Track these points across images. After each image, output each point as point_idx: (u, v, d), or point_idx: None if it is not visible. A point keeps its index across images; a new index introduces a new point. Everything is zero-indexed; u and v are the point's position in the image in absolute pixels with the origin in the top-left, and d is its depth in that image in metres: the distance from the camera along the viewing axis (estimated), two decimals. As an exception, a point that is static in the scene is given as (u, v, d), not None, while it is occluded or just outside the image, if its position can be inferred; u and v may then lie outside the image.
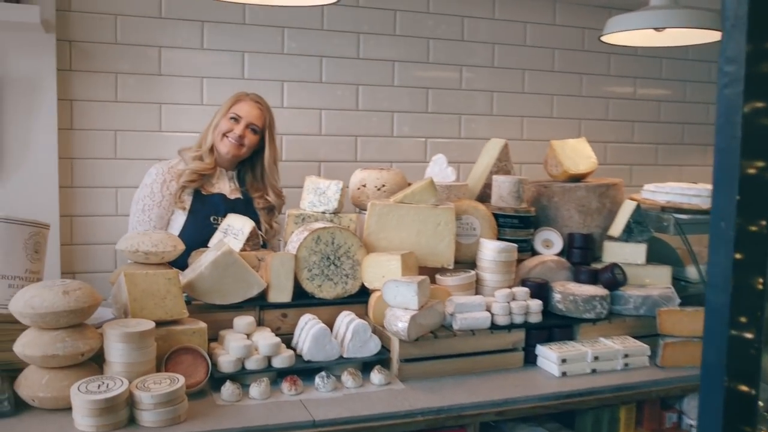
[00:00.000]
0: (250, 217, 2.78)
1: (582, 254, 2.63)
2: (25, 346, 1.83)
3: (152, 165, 2.78)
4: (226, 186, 2.83)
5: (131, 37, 3.10)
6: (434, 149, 3.66)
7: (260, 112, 2.80)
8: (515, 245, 2.49)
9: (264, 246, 2.56)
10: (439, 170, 2.79)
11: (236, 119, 2.77)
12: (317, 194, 2.51)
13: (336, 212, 2.50)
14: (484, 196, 2.86)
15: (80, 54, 3.03)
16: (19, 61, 2.85)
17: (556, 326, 2.39)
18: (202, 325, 2.10)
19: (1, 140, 2.86)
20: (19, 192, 2.89)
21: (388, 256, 2.33)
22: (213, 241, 2.47)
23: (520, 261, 2.61)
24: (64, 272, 3.01)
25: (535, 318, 2.35)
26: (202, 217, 2.67)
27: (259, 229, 2.77)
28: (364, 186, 2.65)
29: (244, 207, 2.81)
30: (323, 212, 2.50)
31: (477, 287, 2.48)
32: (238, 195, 2.84)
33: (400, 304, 2.17)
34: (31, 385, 1.84)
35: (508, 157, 2.89)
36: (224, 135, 2.76)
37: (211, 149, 2.78)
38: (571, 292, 2.41)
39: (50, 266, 2.92)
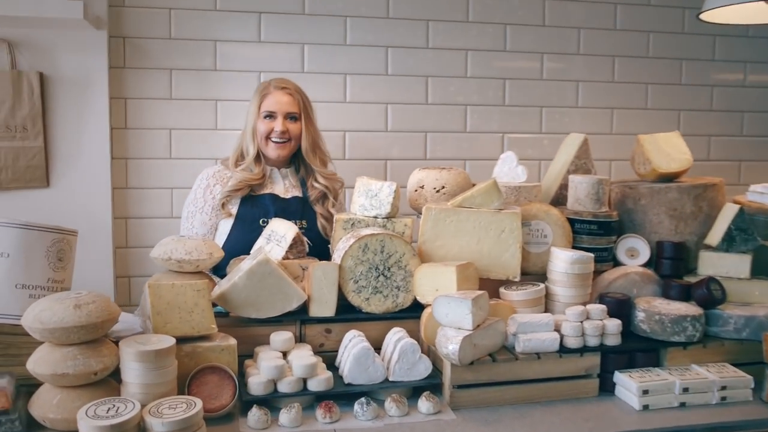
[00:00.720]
0: (307, 216, 2.61)
1: (673, 266, 2.28)
2: (36, 363, 1.70)
3: (207, 165, 2.64)
4: (279, 185, 2.65)
5: (186, 31, 2.99)
6: (512, 146, 3.36)
7: (290, 97, 2.60)
8: (591, 255, 2.18)
9: (312, 253, 2.36)
10: (509, 169, 2.50)
11: (271, 116, 2.58)
12: (369, 197, 2.28)
13: (389, 217, 2.26)
14: (560, 199, 2.54)
15: (134, 50, 2.94)
16: (70, 59, 2.79)
17: (639, 350, 2.06)
18: (232, 341, 1.92)
19: (51, 141, 2.81)
20: (70, 194, 2.83)
21: (442, 267, 2.07)
22: (255, 248, 2.28)
23: (599, 273, 2.30)
24: (118, 275, 2.94)
25: (613, 340, 2.03)
26: (251, 221, 2.50)
27: (315, 228, 2.58)
28: (422, 188, 2.40)
29: (301, 205, 2.61)
30: (375, 217, 2.26)
31: (547, 303, 2.18)
32: (296, 193, 2.65)
33: (452, 323, 1.92)
34: (42, 404, 1.71)
35: (588, 155, 2.56)
36: (267, 138, 2.58)
37: (258, 157, 2.59)
38: (658, 311, 2.07)
39: (103, 270, 2.88)
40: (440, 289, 2.05)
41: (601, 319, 2.04)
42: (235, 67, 3.05)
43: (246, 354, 2.02)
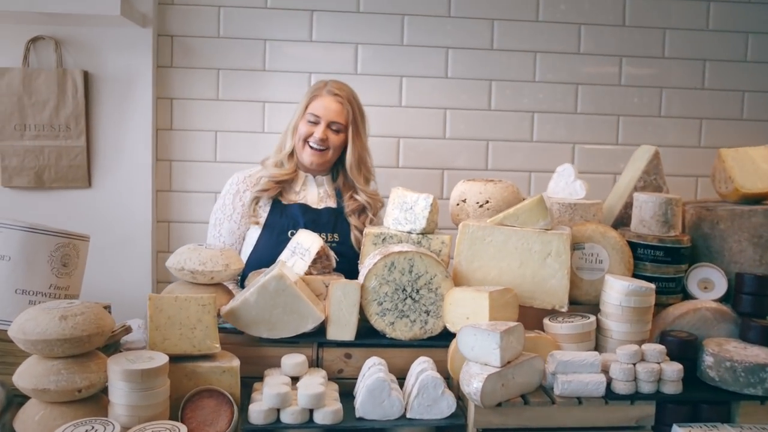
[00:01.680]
0: (340, 229, 2.43)
1: (754, 302, 1.96)
2: (20, 375, 1.60)
3: (252, 169, 2.51)
4: (312, 193, 2.48)
5: (235, 30, 2.87)
6: (584, 157, 3.06)
7: (340, 106, 2.42)
8: (651, 286, 1.89)
9: (344, 269, 2.17)
10: (565, 184, 2.24)
11: (315, 121, 2.41)
12: (403, 210, 2.08)
13: (425, 232, 2.05)
14: (625, 219, 2.25)
15: (182, 49, 2.85)
16: (115, 57, 2.73)
17: (704, 402, 1.77)
18: (235, 363, 1.76)
19: (94, 141, 2.75)
20: (111, 195, 2.77)
21: (474, 292, 1.84)
22: (278, 261, 2.12)
23: (663, 306, 2.01)
24: (159, 281, 2.85)
25: (672, 387, 1.74)
26: (279, 231, 2.35)
27: (348, 241, 2.39)
28: (464, 201, 2.17)
29: (334, 217, 2.44)
30: (409, 232, 2.06)
31: (597, 339, 1.91)
32: (330, 203, 2.48)
33: (477, 358, 1.69)
34: (25, 419, 1.61)
35: (659, 170, 2.26)
36: (305, 141, 2.41)
37: (292, 154, 2.44)
38: (730, 356, 1.77)
39: (142, 276, 2.80)
40: (471, 317, 1.82)
41: (658, 362, 1.76)
42: (284, 68, 2.91)
43: (257, 376, 1.87)
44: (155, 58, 2.82)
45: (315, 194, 2.48)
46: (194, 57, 2.87)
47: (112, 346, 1.90)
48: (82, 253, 1.91)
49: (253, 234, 2.40)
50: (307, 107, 2.44)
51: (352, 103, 2.45)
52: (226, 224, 2.45)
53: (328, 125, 2.41)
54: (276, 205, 2.42)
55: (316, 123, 2.41)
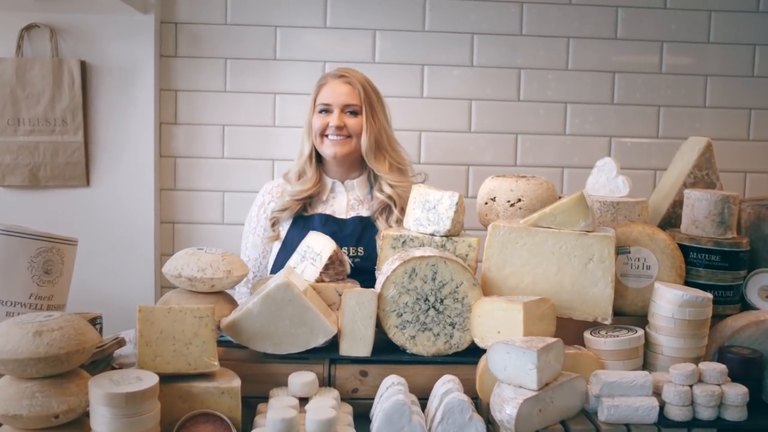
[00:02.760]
0: (366, 242, 2.20)
1: (826, 314, 1.72)
2: (-10, 398, 1.41)
3: (262, 166, 2.33)
4: (341, 202, 2.28)
5: (243, 16, 2.69)
6: (621, 152, 2.84)
7: (350, 87, 2.22)
8: (709, 296, 1.66)
9: (355, 275, 1.96)
10: (606, 180, 2.01)
11: (327, 110, 2.22)
12: (425, 209, 1.86)
13: (450, 235, 1.83)
14: (673, 219, 2.03)
15: (186, 37, 2.68)
16: (114, 46, 2.57)
17: (773, 430, 1.53)
18: (235, 383, 1.56)
19: (92, 136, 2.59)
20: (112, 194, 2.61)
21: (506, 303, 1.62)
22: (287, 266, 1.92)
23: (720, 317, 1.78)
24: (164, 286, 2.67)
25: (736, 413, 1.51)
26: (298, 244, 2.12)
27: (374, 256, 2.18)
28: (493, 200, 1.95)
29: (360, 228, 2.24)
30: (432, 234, 1.84)
31: (647, 356, 1.70)
32: (361, 211, 2.28)
33: (511, 379, 1.47)
34: (-4, 450, 1.42)
35: (712, 164, 2.02)
36: (322, 135, 2.21)
37: (310, 157, 2.25)
38: (802, 377, 1.53)
39: (145, 282, 2.63)
40: (503, 332, 1.61)
41: (718, 384, 1.53)
42: (297, 57, 2.72)
43: (262, 396, 1.67)
44: (158, 47, 2.65)
45: (344, 202, 2.28)
46: (200, 46, 2.70)
47: (103, 361, 1.71)
48: (67, 259, 1.72)
49: (276, 246, 2.23)
50: (316, 100, 2.25)
51: (363, 83, 2.25)
52: (251, 238, 2.30)
53: (342, 110, 2.21)
54: (297, 219, 2.24)
55: (329, 112, 2.21)
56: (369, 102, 2.23)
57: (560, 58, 2.80)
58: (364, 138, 2.22)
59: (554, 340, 1.50)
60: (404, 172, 2.29)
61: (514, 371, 1.46)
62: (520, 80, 2.80)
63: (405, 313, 1.70)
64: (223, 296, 1.83)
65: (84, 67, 2.53)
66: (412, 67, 2.76)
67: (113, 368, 1.71)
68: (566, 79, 2.82)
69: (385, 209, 2.25)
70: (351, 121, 2.22)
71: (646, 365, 1.69)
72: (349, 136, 2.22)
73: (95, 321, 1.78)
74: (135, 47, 2.56)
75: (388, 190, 2.23)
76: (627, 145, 2.86)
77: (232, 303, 1.84)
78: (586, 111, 2.83)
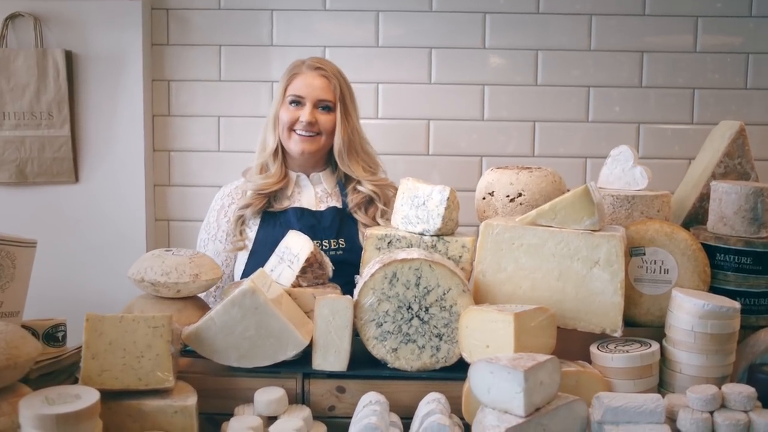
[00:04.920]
0: (346, 233, 2.06)
1: None
2: None
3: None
4: (308, 195, 2.12)
5: (237, -1, 2.54)
6: (651, 139, 2.62)
7: (326, 81, 2.05)
8: (737, 305, 1.45)
9: (347, 283, 1.79)
10: (622, 171, 1.79)
11: (298, 102, 2.05)
12: (414, 206, 1.67)
13: (441, 234, 1.64)
14: (700, 215, 1.80)
15: (178, 24, 2.55)
16: (101, 34, 2.44)
17: (811, 465, 1.30)
18: (190, 401, 1.42)
19: (80, 130, 2.47)
20: (101, 191, 2.49)
21: (495, 313, 1.43)
22: (267, 268, 1.75)
23: (752, 329, 1.56)
24: (157, 287, 2.54)
25: (766, 445, 1.29)
26: (271, 245, 1.95)
27: (357, 246, 2.01)
28: (491, 194, 1.75)
29: (338, 219, 2.08)
30: (421, 233, 1.65)
31: (662, 374, 1.49)
32: (333, 202, 2.12)
33: (494, 403, 1.29)
34: None
35: (745, 151, 1.78)
36: (291, 129, 2.05)
37: (275, 151, 2.08)
38: None
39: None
40: (492, 346, 1.42)
41: (745, 410, 1.31)
42: (294, 42, 2.55)
43: (229, 413, 1.51)
44: (148, 35, 2.52)
45: (312, 195, 2.12)
46: (192, 32, 2.57)
47: (64, 372, 1.58)
48: (21, 262, 1.58)
49: (244, 254, 2.06)
50: (286, 90, 2.08)
51: (339, 78, 2.09)
52: (211, 245, 2.14)
53: (315, 105, 2.05)
54: (266, 217, 2.08)
55: (300, 105, 2.05)
56: (343, 99, 2.08)
57: (582, 38, 2.58)
58: (337, 138, 2.07)
59: (546, 357, 1.30)
60: (376, 173, 2.14)
61: (498, 394, 1.27)
62: (538, 63, 2.58)
63: (385, 322, 1.52)
64: (192, 302, 1.69)
65: (69, 57, 2.41)
66: (419, 51, 2.57)
67: (77, 380, 1.57)
68: (589, 60, 2.59)
69: (365, 203, 2.11)
70: (323, 118, 2.06)
71: (663, 385, 1.48)
72: (319, 133, 2.05)
73: (57, 328, 1.64)
74: (122, 35, 2.43)
75: (368, 186, 2.09)
76: (657, 131, 2.62)
77: (203, 309, 1.68)
78: (612, 95, 2.60)
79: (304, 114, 2.03)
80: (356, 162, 2.09)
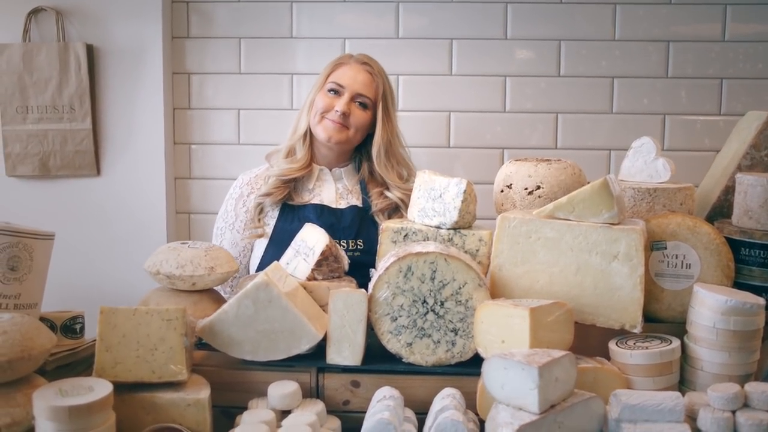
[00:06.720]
0: (365, 234, 2.04)
1: None
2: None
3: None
4: (329, 190, 2.10)
5: (257, -9, 2.54)
6: (678, 131, 2.56)
7: (370, 77, 2.04)
8: (762, 302, 1.40)
9: (354, 271, 1.77)
10: (644, 163, 1.75)
11: (337, 91, 2.04)
12: (431, 198, 1.65)
13: (458, 227, 1.61)
14: (725, 208, 1.75)
15: (198, 17, 2.55)
16: (121, 28, 2.45)
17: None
18: (203, 394, 1.41)
19: (101, 123, 2.48)
20: (122, 184, 2.51)
21: (511, 307, 1.40)
22: (282, 261, 1.75)
23: (777, 326, 1.50)
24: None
25: (790, 447, 1.25)
26: (288, 239, 1.94)
27: (376, 250, 1.99)
28: (509, 187, 1.72)
29: (359, 219, 2.06)
30: (437, 227, 1.63)
31: (683, 372, 1.45)
32: (353, 201, 2.10)
33: (508, 399, 1.26)
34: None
35: (773, 143, 1.73)
36: (323, 115, 2.02)
37: (305, 135, 2.06)
38: None
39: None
40: (507, 341, 1.40)
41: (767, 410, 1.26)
42: (315, 34, 2.54)
43: (243, 406, 1.50)
44: (168, 28, 2.52)
45: (332, 191, 2.10)
46: (213, 25, 2.56)
47: (82, 363, 1.59)
48: (38, 254, 1.59)
49: (261, 245, 2.05)
50: (328, 77, 2.06)
51: (383, 78, 2.07)
52: (228, 234, 2.13)
53: (353, 98, 2.03)
54: (285, 209, 2.06)
55: (338, 94, 2.03)
56: (385, 100, 2.07)
57: (606, 27, 2.52)
58: (377, 139, 2.06)
59: (562, 353, 1.27)
60: (409, 180, 2.12)
61: (512, 390, 1.25)
62: (561, 53, 2.53)
63: (400, 317, 1.50)
64: (207, 295, 1.69)
65: (91, 50, 2.43)
66: (440, 42, 2.53)
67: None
68: (613, 50, 2.53)
69: (392, 210, 2.09)
70: (357, 112, 2.04)
71: (684, 383, 1.44)
72: (347, 126, 2.04)
73: (75, 320, 1.66)
74: (143, 28, 2.44)
75: (397, 193, 2.07)
76: (684, 123, 2.56)
77: (219, 302, 1.68)
78: (636, 86, 2.54)
79: (340, 104, 2.01)
80: (392, 166, 2.07)
